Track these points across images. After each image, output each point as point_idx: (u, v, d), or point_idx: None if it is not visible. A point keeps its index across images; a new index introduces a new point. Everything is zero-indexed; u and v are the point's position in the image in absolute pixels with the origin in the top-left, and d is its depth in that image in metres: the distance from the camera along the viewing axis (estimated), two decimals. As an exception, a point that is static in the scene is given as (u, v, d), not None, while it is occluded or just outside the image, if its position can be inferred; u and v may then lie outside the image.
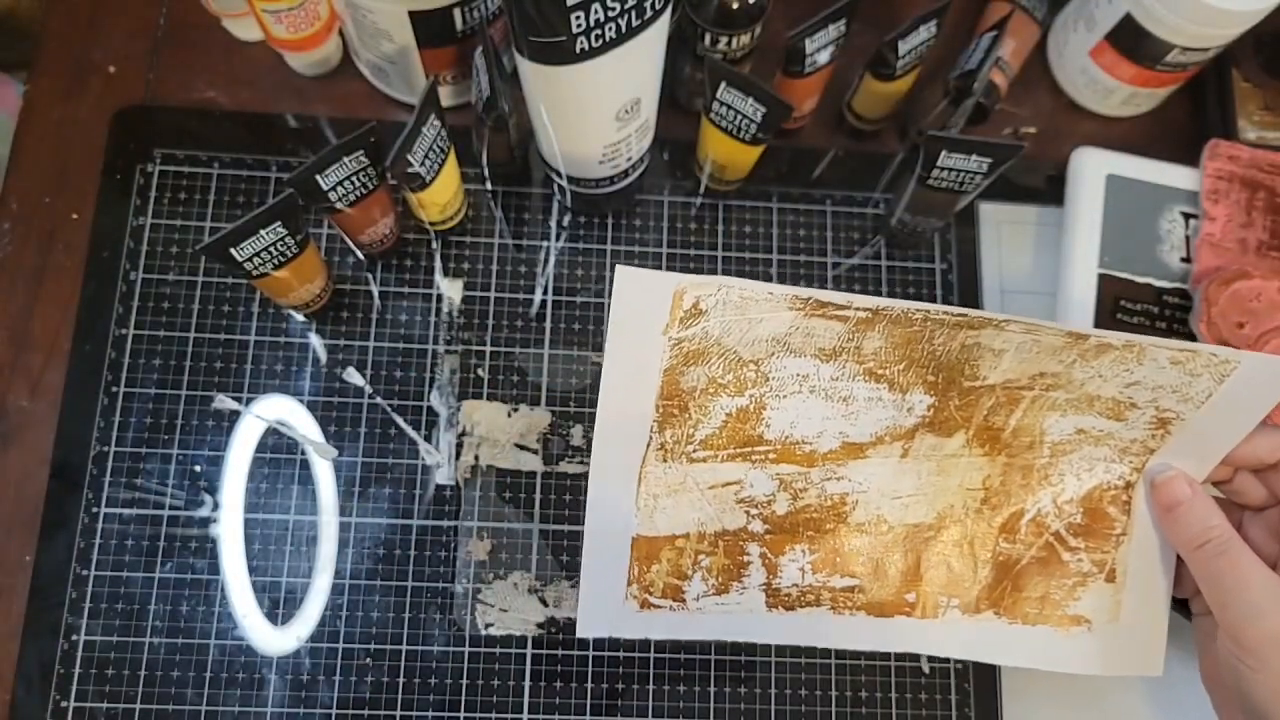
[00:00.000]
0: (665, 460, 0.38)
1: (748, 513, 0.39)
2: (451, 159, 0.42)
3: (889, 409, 0.38)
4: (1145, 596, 0.40)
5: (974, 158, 0.41)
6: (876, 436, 0.39)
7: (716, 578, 0.39)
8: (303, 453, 0.45)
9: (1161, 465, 0.39)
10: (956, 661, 0.45)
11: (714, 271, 0.48)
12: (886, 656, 0.44)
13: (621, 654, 0.43)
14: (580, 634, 0.38)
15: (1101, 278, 0.47)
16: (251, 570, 0.43)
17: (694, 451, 0.38)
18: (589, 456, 0.38)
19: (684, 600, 0.39)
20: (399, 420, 0.45)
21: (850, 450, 0.39)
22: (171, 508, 0.43)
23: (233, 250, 0.38)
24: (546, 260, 0.48)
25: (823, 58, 0.43)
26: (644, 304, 0.35)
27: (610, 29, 0.34)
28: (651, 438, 0.37)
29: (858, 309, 0.36)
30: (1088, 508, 0.40)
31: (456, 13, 0.42)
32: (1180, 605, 0.41)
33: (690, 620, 0.39)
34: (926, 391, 0.38)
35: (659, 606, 0.39)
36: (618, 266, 0.33)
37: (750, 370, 0.37)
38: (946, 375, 0.37)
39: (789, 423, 0.38)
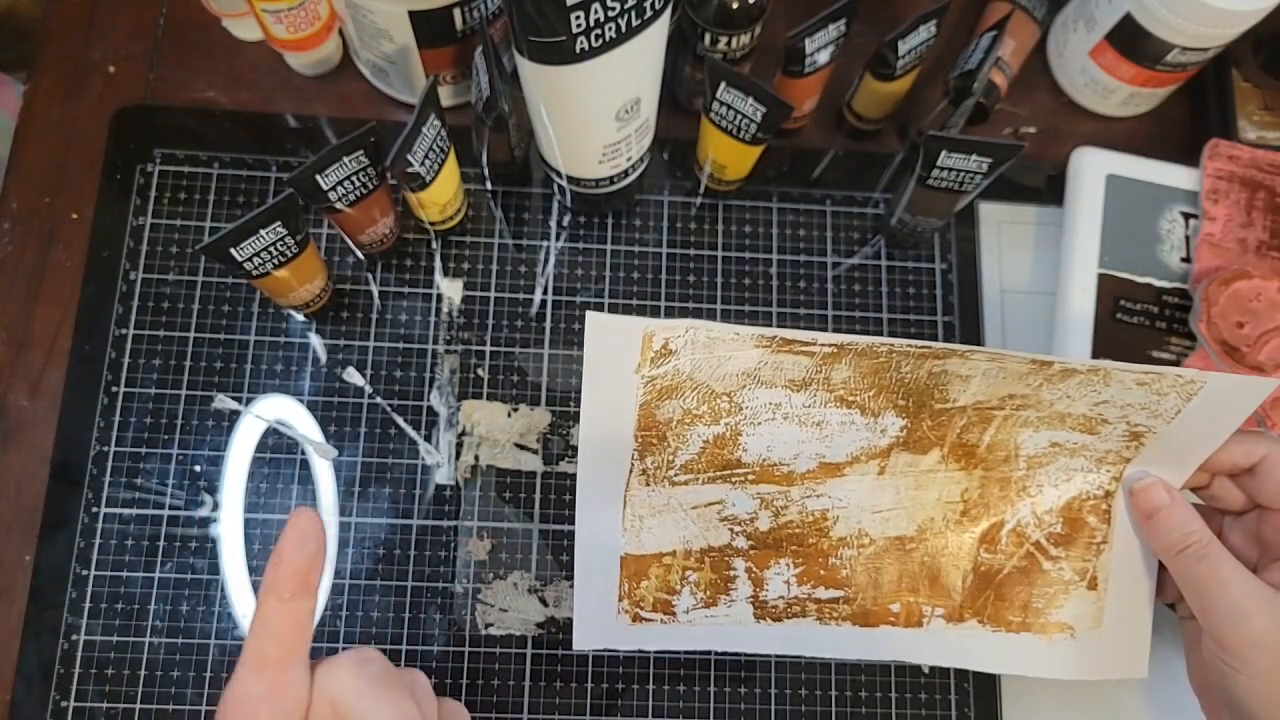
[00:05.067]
0: (648, 484, 0.39)
1: (731, 530, 0.39)
2: (451, 159, 0.42)
3: (862, 431, 0.38)
4: (1127, 602, 0.40)
5: (974, 158, 0.41)
6: (852, 456, 0.39)
7: (705, 592, 0.39)
8: (303, 453, 0.45)
9: (1139, 472, 0.39)
10: (956, 661, 0.45)
11: (714, 272, 0.49)
12: (886, 656, 0.45)
13: (621, 654, 0.43)
14: (576, 647, 0.39)
15: (1101, 277, 0.47)
16: (251, 570, 0.43)
17: (675, 475, 0.39)
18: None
19: (674, 614, 0.39)
20: (399, 420, 0.45)
21: (828, 470, 0.39)
22: (171, 508, 0.43)
23: (233, 250, 0.38)
24: (546, 260, 0.48)
25: (823, 58, 0.43)
26: (615, 347, 0.35)
27: (610, 29, 0.34)
28: (633, 465, 0.38)
29: (823, 345, 0.36)
30: (1067, 517, 0.40)
31: (456, 13, 0.42)
32: (1174, 606, 0.41)
33: (681, 632, 0.40)
34: (898, 415, 0.38)
35: (650, 620, 0.39)
36: (587, 313, 0.34)
37: (724, 401, 0.37)
38: (917, 399, 0.38)
39: (765, 447, 0.38)
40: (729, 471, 0.39)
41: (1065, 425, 0.39)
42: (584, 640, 0.39)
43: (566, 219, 0.49)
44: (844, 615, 0.40)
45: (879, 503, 0.40)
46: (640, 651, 0.43)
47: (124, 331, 0.45)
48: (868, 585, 0.40)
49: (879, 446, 0.39)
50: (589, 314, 0.34)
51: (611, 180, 0.44)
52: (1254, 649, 0.34)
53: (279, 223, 0.38)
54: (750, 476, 0.39)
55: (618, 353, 0.35)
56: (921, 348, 0.36)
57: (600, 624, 0.39)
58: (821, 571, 0.40)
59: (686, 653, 0.44)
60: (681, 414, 0.37)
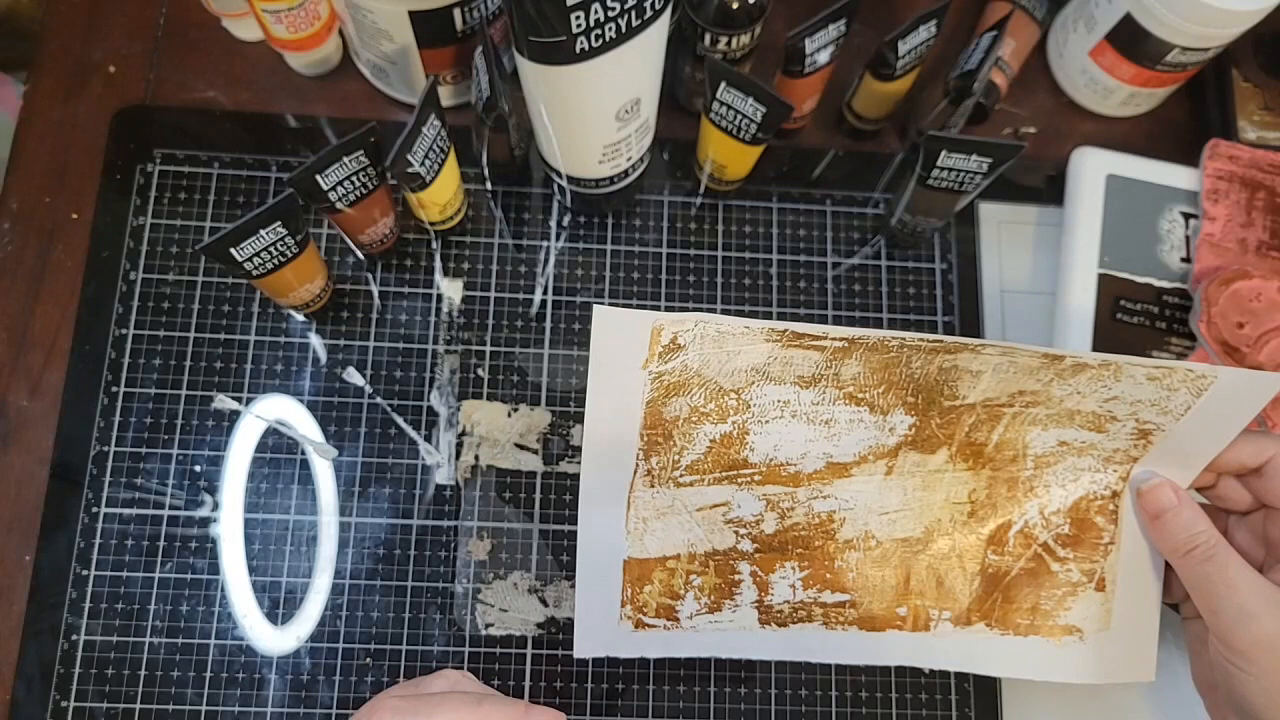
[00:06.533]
0: (653, 485, 0.38)
1: (736, 532, 0.39)
2: (451, 159, 0.42)
3: (871, 429, 0.38)
4: (1135, 604, 0.40)
5: (974, 158, 0.41)
6: (860, 456, 0.39)
7: (709, 596, 0.39)
8: (303, 453, 0.45)
9: (1146, 473, 0.39)
10: (956, 661, 0.45)
11: (714, 272, 0.48)
12: (886, 656, 0.44)
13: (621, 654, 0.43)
14: (577, 655, 0.38)
15: (1101, 278, 0.47)
16: (251, 570, 0.43)
17: (680, 476, 0.38)
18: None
19: (677, 619, 0.39)
20: (399, 420, 0.45)
21: (835, 470, 0.39)
22: (171, 508, 0.43)
23: (233, 250, 0.38)
24: (546, 260, 0.48)
25: (823, 58, 0.43)
26: (623, 341, 0.35)
27: (610, 29, 0.34)
28: (638, 465, 0.38)
29: (833, 339, 0.36)
30: (1075, 518, 0.40)
31: (456, 13, 0.42)
32: (1176, 607, 0.41)
33: (685, 638, 0.39)
34: (907, 412, 0.38)
35: (653, 626, 0.39)
36: (595, 306, 0.34)
37: (731, 399, 0.37)
38: (926, 396, 0.38)
39: (773, 446, 0.38)
40: (735, 472, 0.38)
41: (1074, 423, 0.39)
42: (585, 648, 0.38)
43: (566, 219, 0.49)
44: (850, 620, 0.40)
45: (886, 504, 0.39)
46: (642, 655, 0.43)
47: (124, 331, 0.45)
48: (874, 589, 0.40)
49: (887, 445, 0.39)
50: (596, 308, 0.34)
51: (611, 180, 0.44)
52: (1261, 649, 0.34)
53: (279, 223, 0.38)
54: (757, 477, 0.39)
55: (625, 348, 0.35)
56: (933, 341, 0.36)
57: (602, 631, 0.39)
58: (828, 575, 0.40)
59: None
60: (688, 412, 0.37)
